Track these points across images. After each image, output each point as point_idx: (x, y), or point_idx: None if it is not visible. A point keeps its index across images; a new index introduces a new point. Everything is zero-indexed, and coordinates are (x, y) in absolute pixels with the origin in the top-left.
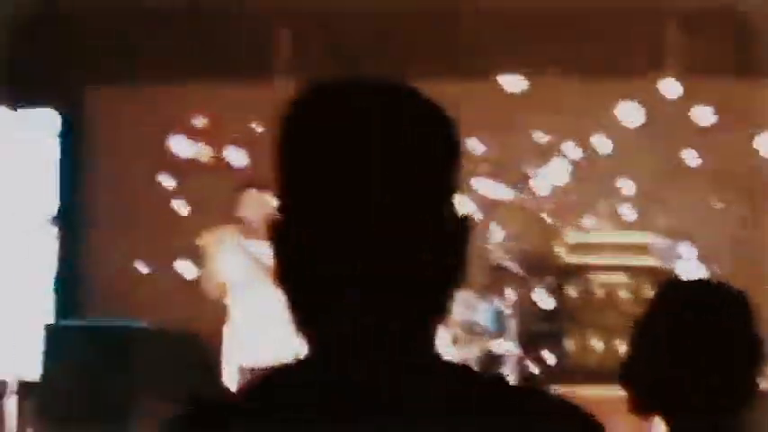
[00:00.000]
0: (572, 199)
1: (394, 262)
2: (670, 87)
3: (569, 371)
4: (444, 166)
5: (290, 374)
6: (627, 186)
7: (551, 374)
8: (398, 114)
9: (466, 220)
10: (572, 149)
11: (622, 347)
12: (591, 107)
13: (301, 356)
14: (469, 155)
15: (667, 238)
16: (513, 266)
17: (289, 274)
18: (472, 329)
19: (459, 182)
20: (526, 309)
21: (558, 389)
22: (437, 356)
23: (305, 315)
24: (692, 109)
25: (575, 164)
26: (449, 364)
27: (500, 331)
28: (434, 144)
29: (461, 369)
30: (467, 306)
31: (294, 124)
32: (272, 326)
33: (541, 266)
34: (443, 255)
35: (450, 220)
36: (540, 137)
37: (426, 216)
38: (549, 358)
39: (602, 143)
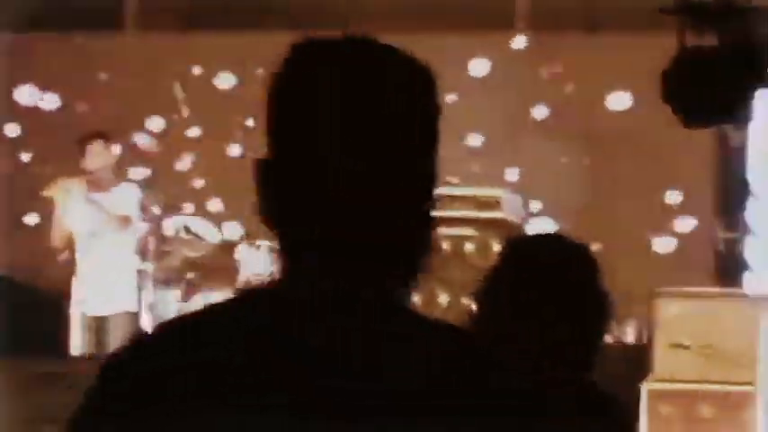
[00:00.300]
0: None
1: (363, 226)
2: (519, 43)
3: None
4: (425, 129)
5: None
6: (475, 140)
7: None
8: (382, 76)
9: (433, 178)
10: None
11: (468, 301)
12: (440, 61)
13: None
14: None
15: (515, 191)
16: None
17: (268, 217)
18: None
19: (438, 145)
20: None
21: None
22: (404, 321)
23: (281, 258)
24: (541, 65)
25: None
26: (414, 328)
27: None
28: (416, 107)
29: (430, 331)
30: None
31: (281, 78)
32: (118, 275)
33: None
34: (416, 219)
35: (425, 181)
36: None
37: (403, 179)
38: None
39: (452, 98)
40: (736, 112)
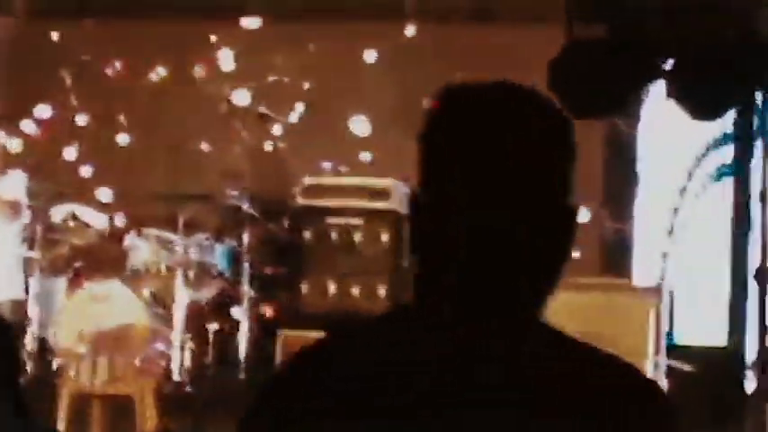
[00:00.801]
0: (309, 141)
1: (498, 252)
2: (408, 31)
3: (303, 314)
4: (560, 166)
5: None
6: (365, 129)
7: (285, 318)
8: (522, 118)
9: (573, 212)
10: (310, 91)
11: (356, 290)
12: (331, 50)
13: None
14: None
15: (405, 182)
16: (248, 207)
17: (416, 243)
18: (207, 271)
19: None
20: (261, 251)
21: (290, 333)
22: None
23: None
24: (431, 54)
25: (311, 106)
26: (542, 332)
27: (235, 273)
28: (553, 147)
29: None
30: (202, 247)
31: (433, 120)
32: (4, 263)
33: (277, 208)
34: (549, 245)
35: (558, 213)
36: (280, 79)
37: (539, 210)
38: (284, 301)
39: (341, 86)
40: (626, 104)
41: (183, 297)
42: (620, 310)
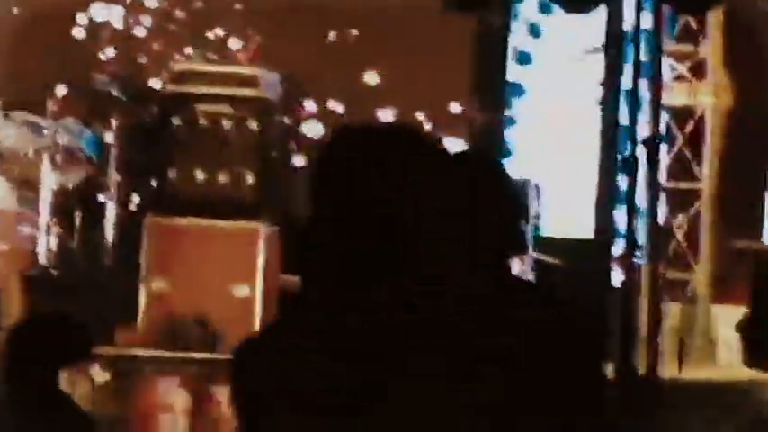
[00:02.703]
0: (178, 27)
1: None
2: None
3: (172, 200)
4: None
5: None
6: (234, 18)
7: (153, 204)
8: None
9: None
10: None
11: (224, 177)
12: None
13: None
14: None
15: (275, 71)
16: (117, 93)
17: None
18: (74, 156)
19: None
20: (129, 137)
21: (159, 219)
22: None
23: None
24: None
25: None
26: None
27: (102, 159)
28: None
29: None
30: (69, 132)
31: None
32: None
33: (146, 94)
34: None
35: None
36: None
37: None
38: (152, 187)
39: None
40: None
41: (50, 181)
42: None
